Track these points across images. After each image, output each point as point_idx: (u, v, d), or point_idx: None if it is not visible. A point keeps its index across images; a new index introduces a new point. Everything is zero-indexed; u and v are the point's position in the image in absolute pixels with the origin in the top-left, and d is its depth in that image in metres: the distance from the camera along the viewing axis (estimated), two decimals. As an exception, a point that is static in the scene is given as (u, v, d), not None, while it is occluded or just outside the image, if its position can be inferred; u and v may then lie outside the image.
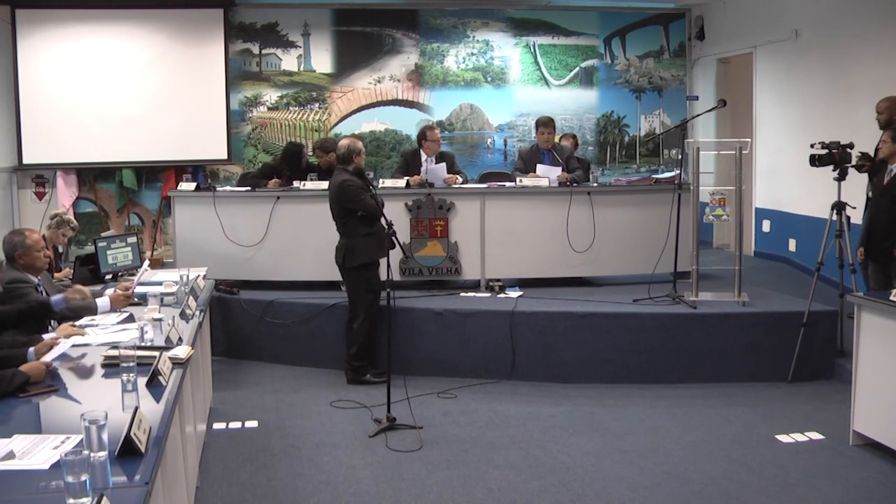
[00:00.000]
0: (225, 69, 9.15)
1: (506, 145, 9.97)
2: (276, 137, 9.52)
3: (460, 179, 7.00)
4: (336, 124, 9.65)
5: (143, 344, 3.57)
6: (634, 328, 5.86)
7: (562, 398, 5.54)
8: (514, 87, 9.97)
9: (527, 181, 6.84)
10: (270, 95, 9.53)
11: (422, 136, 7.08)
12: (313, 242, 6.49)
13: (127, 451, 2.29)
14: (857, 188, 6.00)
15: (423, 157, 7.01)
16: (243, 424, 5.08)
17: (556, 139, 7.42)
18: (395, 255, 6.13)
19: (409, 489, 4.09)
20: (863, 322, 4.46)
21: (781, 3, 8.48)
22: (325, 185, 6.36)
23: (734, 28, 9.36)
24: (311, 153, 7.90)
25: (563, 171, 6.89)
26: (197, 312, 4.51)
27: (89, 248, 7.83)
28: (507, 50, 9.93)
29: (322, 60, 9.59)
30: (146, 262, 5.64)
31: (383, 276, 5.28)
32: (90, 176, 9.19)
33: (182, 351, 3.47)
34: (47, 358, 3.29)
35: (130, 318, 4.27)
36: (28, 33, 8.73)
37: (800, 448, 4.60)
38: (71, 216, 7.08)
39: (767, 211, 8.91)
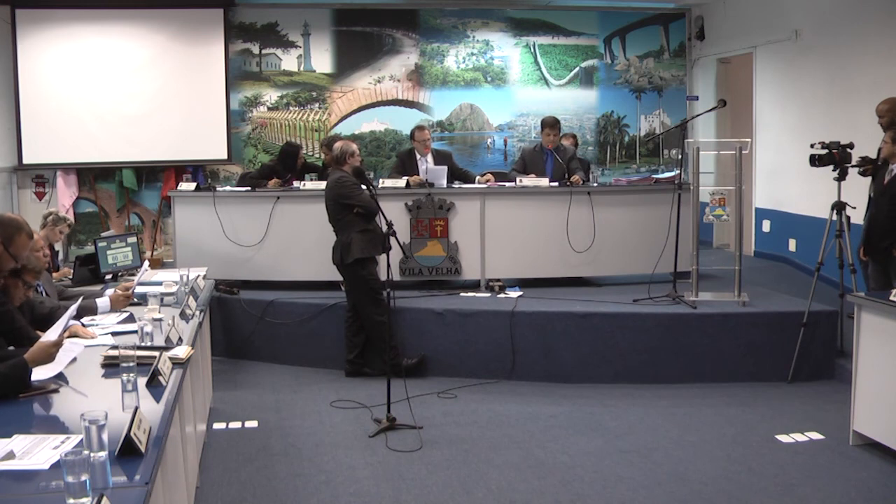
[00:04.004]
0: (225, 69, 9.15)
1: (506, 145, 9.97)
2: (275, 137, 9.51)
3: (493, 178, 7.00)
4: (336, 124, 9.65)
5: (143, 344, 3.57)
6: (634, 328, 5.86)
7: (562, 398, 5.54)
8: (514, 87, 9.97)
9: (527, 181, 6.85)
10: (270, 95, 9.53)
11: (411, 135, 7.15)
12: (313, 242, 6.48)
13: (127, 451, 2.29)
14: (857, 188, 6.00)
15: (418, 156, 7.07)
16: (243, 424, 5.08)
17: (557, 140, 7.44)
18: (395, 254, 6.14)
19: (409, 489, 4.09)
20: (863, 322, 4.45)
21: (781, 3, 8.48)
22: (324, 184, 6.36)
23: (734, 28, 9.36)
24: (307, 152, 7.90)
25: (579, 175, 6.88)
26: (197, 312, 4.50)
27: (89, 249, 7.84)
28: (507, 50, 9.92)
29: (322, 60, 9.59)
30: (146, 262, 5.64)
31: (383, 276, 5.28)
32: (90, 176, 9.19)
33: (182, 351, 3.46)
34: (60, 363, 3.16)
35: (130, 319, 4.27)
36: (28, 33, 8.73)
37: (800, 448, 4.60)
38: (70, 215, 7.08)
39: (767, 211, 8.91)
